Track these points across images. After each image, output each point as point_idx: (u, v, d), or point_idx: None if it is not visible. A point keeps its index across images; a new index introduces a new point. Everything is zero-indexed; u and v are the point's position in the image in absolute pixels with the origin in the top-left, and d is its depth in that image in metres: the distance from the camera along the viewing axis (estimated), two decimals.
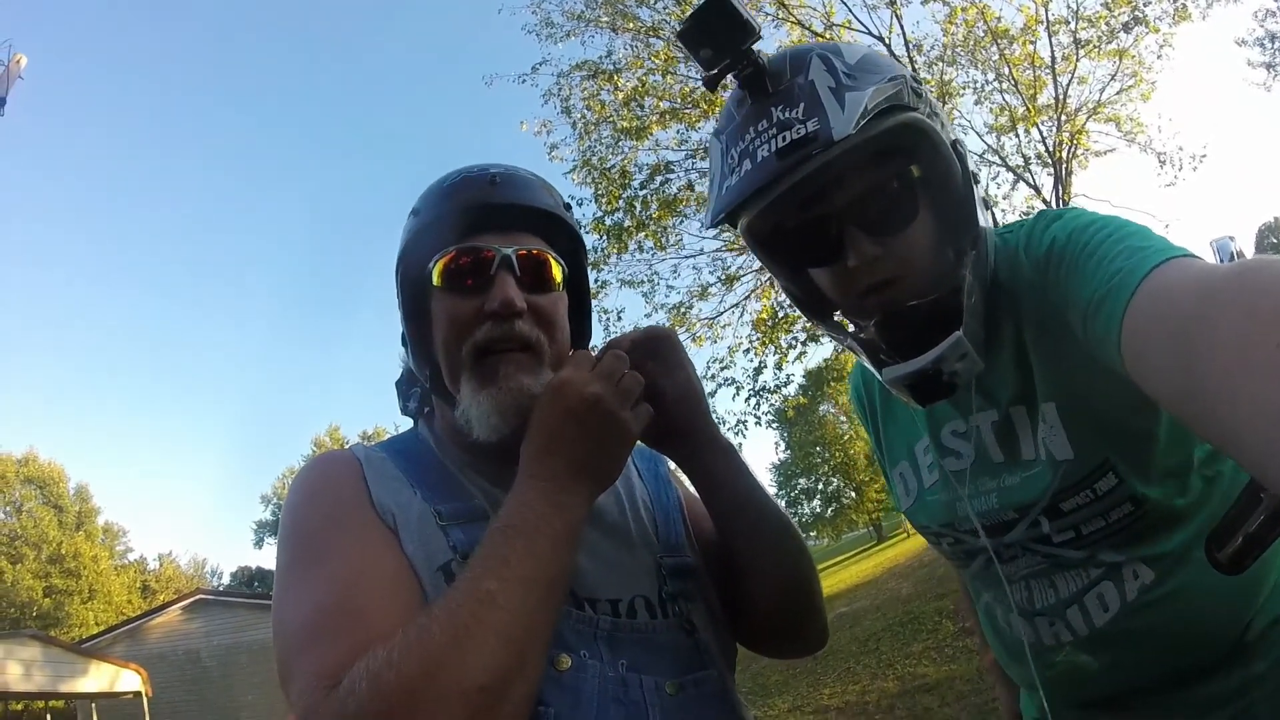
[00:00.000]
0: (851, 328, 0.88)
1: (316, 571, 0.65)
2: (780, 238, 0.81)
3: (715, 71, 0.75)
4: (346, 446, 0.83)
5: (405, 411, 0.88)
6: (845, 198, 0.76)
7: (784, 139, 0.71)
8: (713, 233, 8.18)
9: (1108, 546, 0.79)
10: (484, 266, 0.74)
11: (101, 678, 12.44)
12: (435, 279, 0.76)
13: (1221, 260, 1.09)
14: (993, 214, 0.87)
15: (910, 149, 0.77)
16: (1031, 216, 0.84)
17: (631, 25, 7.81)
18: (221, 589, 31.92)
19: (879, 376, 0.81)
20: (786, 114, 0.73)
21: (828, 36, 7.98)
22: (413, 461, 0.78)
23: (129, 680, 12.92)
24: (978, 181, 0.83)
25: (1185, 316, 0.54)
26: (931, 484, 0.93)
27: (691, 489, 0.94)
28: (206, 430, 72.65)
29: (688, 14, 0.75)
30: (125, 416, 71.26)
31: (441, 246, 0.75)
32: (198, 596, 17.45)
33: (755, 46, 0.74)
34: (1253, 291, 0.50)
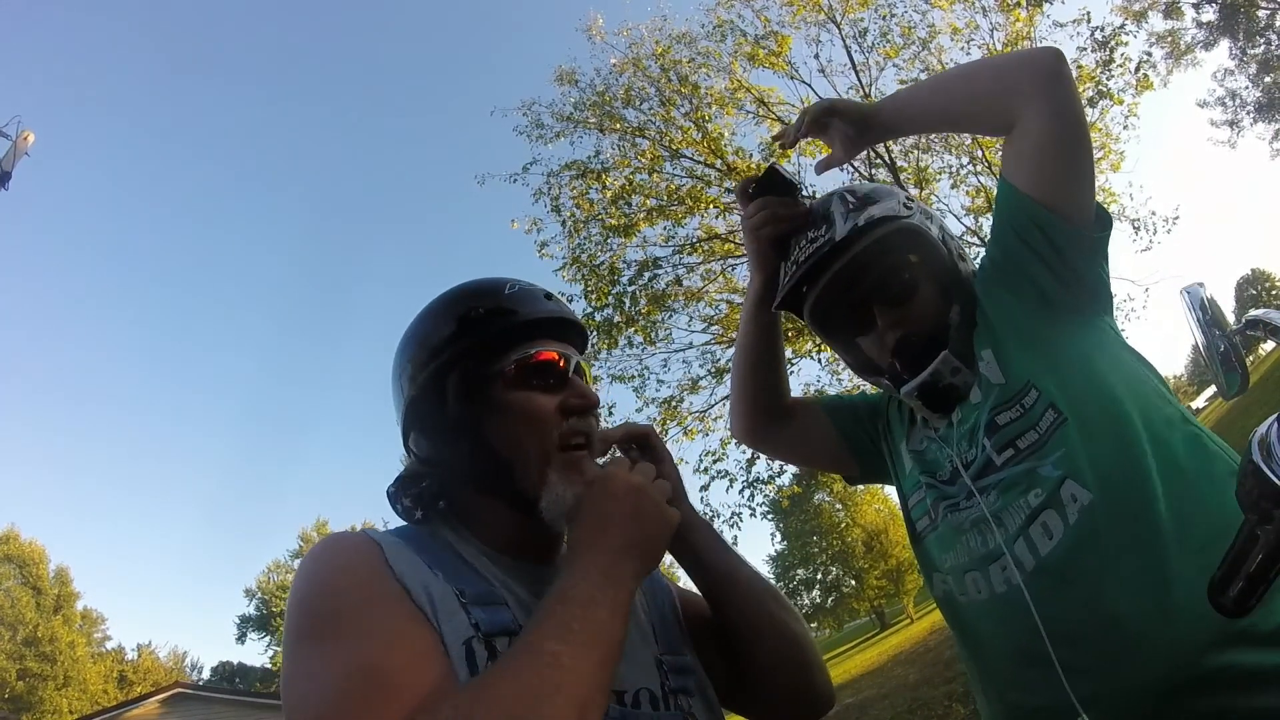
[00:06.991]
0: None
1: (340, 645, 0.62)
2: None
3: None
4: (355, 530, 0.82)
5: (407, 517, 0.86)
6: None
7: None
8: (701, 326, 8.30)
9: (1047, 459, 0.88)
10: (563, 368, 0.84)
11: None
12: (514, 374, 0.82)
13: (1193, 306, 1.20)
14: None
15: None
16: None
17: (618, 126, 8.09)
18: (201, 684, 30.63)
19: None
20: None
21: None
22: (426, 549, 0.77)
23: None
24: (964, 259, 1.08)
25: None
26: (922, 447, 1.08)
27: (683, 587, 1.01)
28: (191, 522, 71.42)
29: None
30: (109, 503, 70.22)
31: (518, 347, 0.83)
32: (176, 690, 16.63)
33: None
34: None
